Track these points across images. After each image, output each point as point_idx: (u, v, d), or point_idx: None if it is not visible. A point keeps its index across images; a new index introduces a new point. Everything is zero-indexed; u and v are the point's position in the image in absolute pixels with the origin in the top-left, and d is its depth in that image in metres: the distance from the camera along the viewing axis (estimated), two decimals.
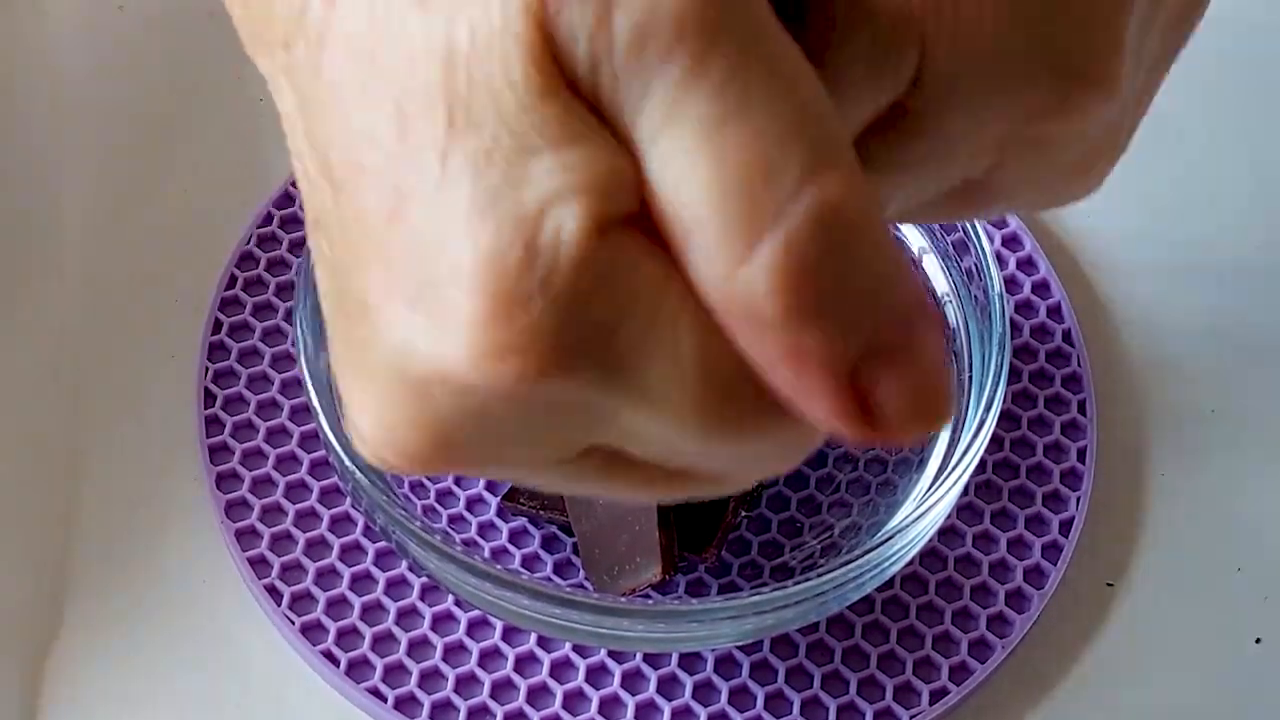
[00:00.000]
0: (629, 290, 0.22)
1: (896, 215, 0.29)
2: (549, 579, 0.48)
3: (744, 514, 0.49)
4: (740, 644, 0.46)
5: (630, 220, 0.22)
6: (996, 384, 0.44)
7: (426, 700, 0.46)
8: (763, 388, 0.22)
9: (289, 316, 0.52)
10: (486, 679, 0.46)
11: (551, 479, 0.25)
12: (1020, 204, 0.31)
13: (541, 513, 0.47)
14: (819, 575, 0.41)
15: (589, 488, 0.26)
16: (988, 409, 0.43)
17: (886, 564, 0.43)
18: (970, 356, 0.47)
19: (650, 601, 0.45)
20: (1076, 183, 0.30)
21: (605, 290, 0.22)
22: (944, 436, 0.47)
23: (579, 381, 0.22)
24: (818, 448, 0.25)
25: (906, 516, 0.42)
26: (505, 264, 0.21)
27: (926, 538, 0.44)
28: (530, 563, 0.48)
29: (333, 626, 0.47)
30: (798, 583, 0.41)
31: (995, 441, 0.51)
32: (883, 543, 0.42)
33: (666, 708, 0.46)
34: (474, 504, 0.49)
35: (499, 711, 0.46)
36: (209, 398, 0.50)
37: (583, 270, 0.21)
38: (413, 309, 0.22)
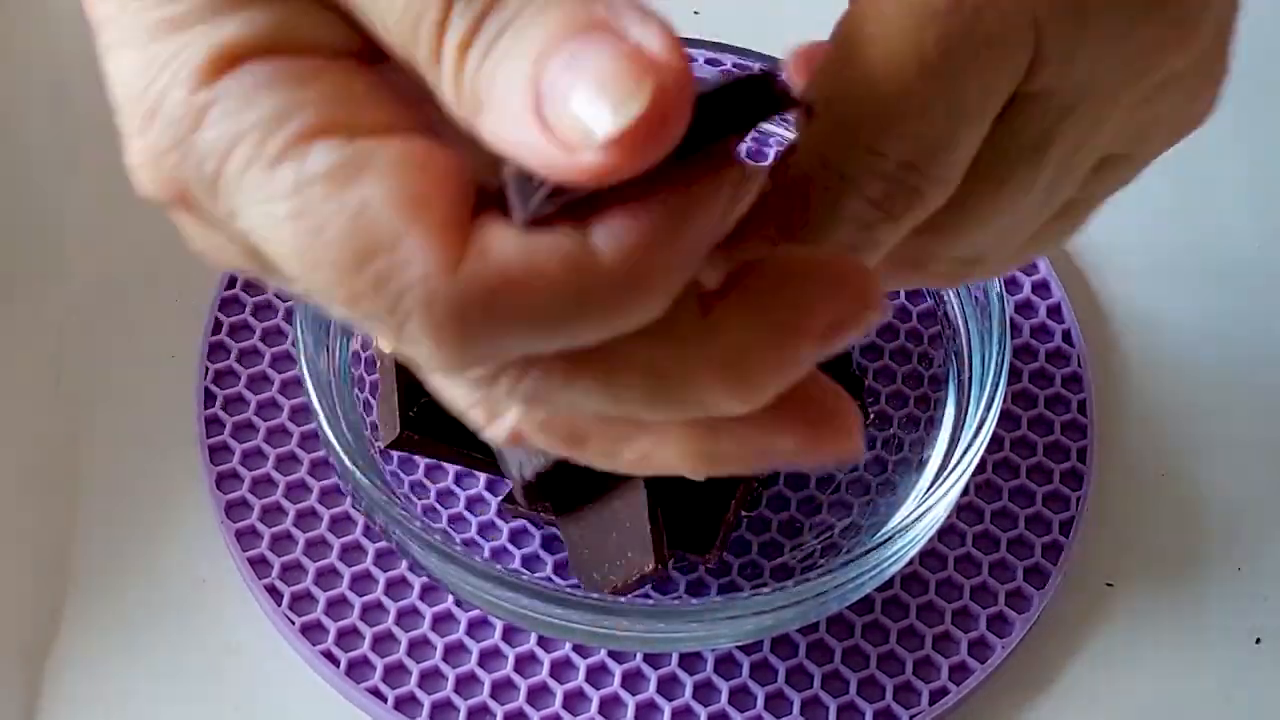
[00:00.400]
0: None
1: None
2: (549, 579, 0.48)
3: (744, 514, 0.49)
4: (740, 644, 0.46)
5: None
6: (996, 384, 0.44)
7: (426, 700, 0.46)
8: None
9: (289, 316, 0.52)
10: (487, 679, 0.46)
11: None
12: (1152, 154, 0.33)
13: (541, 514, 0.48)
14: (819, 575, 0.41)
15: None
16: (988, 409, 0.43)
17: (886, 564, 0.43)
18: (970, 356, 0.47)
19: (650, 602, 0.45)
20: (1193, 115, 0.31)
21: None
22: (944, 436, 0.47)
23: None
24: None
25: (906, 516, 0.42)
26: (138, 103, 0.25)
27: (926, 538, 0.44)
28: (530, 563, 0.48)
29: (333, 626, 0.47)
30: (798, 583, 0.41)
31: (995, 441, 0.51)
32: (883, 543, 0.42)
33: (667, 708, 0.46)
34: (474, 504, 0.49)
35: (499, 711, 0.46)
36: (209, 398, 0.50)
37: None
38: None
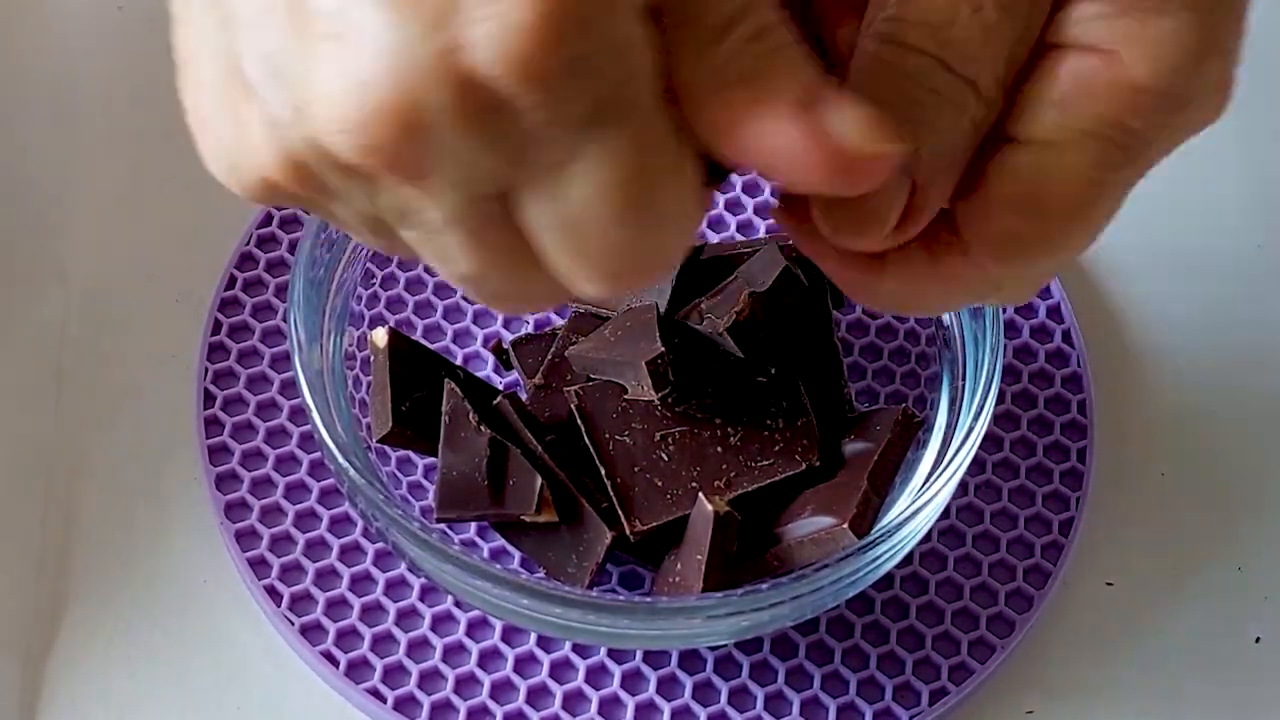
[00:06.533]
0: None
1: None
2: (546, 577, 0.48)
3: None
4: (739, 640, 0.46)
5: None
6: (989, 386, 0.44)
7: (426, 701, 0.46)
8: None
9: (288, 317, 0.52)
10: (486, 679, 0.46)
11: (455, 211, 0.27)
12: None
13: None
14: (814, 571, 0.41)
15: (465, 237, 0.27)
16: (979, 412, 0.43)
17: (880, 561, 0.42)
18: (965, 358, 0.47)
19: (649, 599, 0.45)
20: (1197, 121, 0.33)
21: None
22: (938, 437, 0.46)
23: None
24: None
25: (899, 515, 0.42)
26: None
27: (919, 536, 0.44)
28: (529, 563, 0.48)
29: (332, 627, 0.47)
30: (793, 579, 0.41)
31: (995, 442, 0.51)
32: (875, 541, 0.42)
33: (666, 708, 0.46)
34: None
35: (498, 712, 0.46)
36: (209, 398, 0.50)
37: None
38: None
